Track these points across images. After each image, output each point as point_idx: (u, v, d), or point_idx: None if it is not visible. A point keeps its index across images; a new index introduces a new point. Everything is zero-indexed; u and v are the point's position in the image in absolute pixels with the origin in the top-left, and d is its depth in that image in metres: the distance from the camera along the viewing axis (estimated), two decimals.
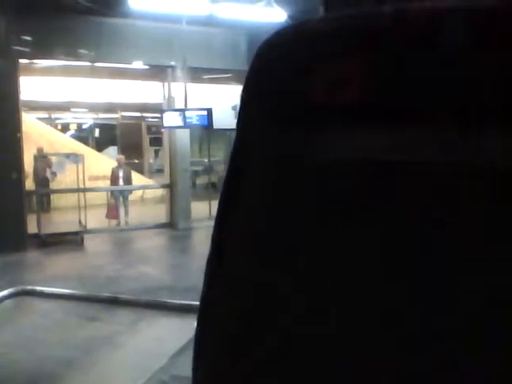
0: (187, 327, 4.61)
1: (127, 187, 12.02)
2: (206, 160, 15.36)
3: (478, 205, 0.39)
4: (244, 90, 0.50)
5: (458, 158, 0.40)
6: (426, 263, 0.41)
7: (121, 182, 11.80)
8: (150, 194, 14.68)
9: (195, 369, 0.52)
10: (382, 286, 0.42)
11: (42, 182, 11.36)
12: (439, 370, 0.40)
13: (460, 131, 0.40)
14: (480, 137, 0.39)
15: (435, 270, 0.41)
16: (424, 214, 0.41)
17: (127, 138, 19.69)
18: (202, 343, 0.51)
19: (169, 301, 5.91)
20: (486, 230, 0.39)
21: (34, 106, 14.55)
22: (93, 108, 18.06)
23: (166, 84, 11.05)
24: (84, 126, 20.55)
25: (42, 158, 11.08)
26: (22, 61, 9.49)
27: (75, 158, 10.48)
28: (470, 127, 0.39)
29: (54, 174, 11.64)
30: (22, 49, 9.08)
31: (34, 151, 11.21)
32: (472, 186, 0.39)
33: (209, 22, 8.90)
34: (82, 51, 9.62)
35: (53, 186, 12.06)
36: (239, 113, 0.50)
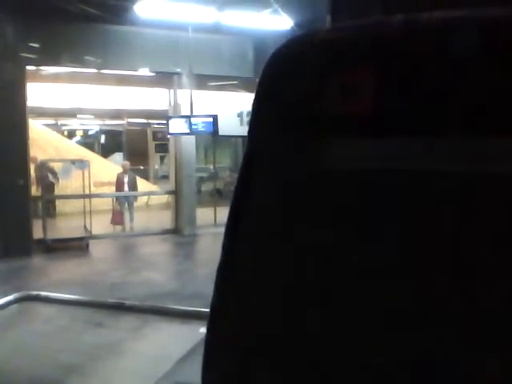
0: (192, 333, 4.60)
1: (132, 193, 12.04)
2: (212, 167, 15.37)
3: (489, 211, 0.39)
4: (256, 98, 0.50)
5: (470, 166, 0.40)
6: (434, 270, 0.41)
7: (126, 188, 11.82)
8: (155, 200, 14.70)
9: (205, 373, 0.52)
10: (387, 287, 0.43)
11: (47, 188, 11.39)
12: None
13: (471, 139, 0.40)
14: (491, 145, 0.39)
15: (447, 275, 0.41)
16: (432, 221, 0.41)
17: (133, 144, 19.74)
18: (212, 348, 0.52)
19: (174, 307, 5.90)
20: (498, 236, 0.39)
21: (40, 113, 14.61)
22: (99, 114, 18.12)
23: (172, 91, 11.08)
24: (90, 133, 20.62)
25: (42, 165, 11.08)
26: (29, 67, 9.55)
27: (81, 164, 10.51)
28: (480, 136, 0.39)
29: (56, 179, 11.67)
30: (29, 55, 9.14)
31: (41, 157, 11.25)
32: (483, 193, 0.40)
33: (215, 29, 8.94)
34: (89, 58, 9.67)
35: (58, 191, 12.09)
36: (251, 119, 0.51)
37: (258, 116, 0.50)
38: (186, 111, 9.87)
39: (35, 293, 6.51)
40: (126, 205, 11.84)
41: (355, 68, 0.44)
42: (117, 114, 17.83)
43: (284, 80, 0.48)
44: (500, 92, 0.39)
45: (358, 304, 0.44)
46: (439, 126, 0.41)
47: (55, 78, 11.59)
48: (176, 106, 10.90)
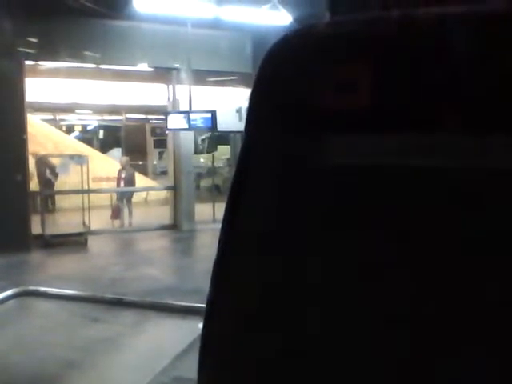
0: (190, 329, 4.61)
1: (131, 189, 12.04)
2: (210, 162, 15.36)
3: (485, 208, 0.39)
4: (252, 94, 0.50)
5: (466, 162, 0.40)
6: (428, 266, 0.41)
7: (123, 183, 11.81)
8: (154, 195, 14.70)
9: (201, 369, 0.52)
10: (383, 286, 0.43)
11: (46, 183, 11.38)
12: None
13: (467, 136, 0.40)
14: (488, 141, 0.39)
15: (440, 272, 0.41)
16: (432, 218, 0.41)
17: (131, 139, 19.72)
18: (208, 343, 0.52)
19: (172, 302, 5.91)
20: (495, 233, 0.39)
21: (39, 108, 14.58)
22: (97, 110, 18.09)
23: (171, 86, 11.06)
24: (88, 128, 20.59)
25: (41, 160, 11.06)
26: (27, 62, 9.52)
27: (79, 159, 10.50)
28: (478, 132, 0.39)
29: (55, 174, 11.63)
30: (27, 50, 9.11)
31: (39, 152, 11.24)
32: (483, 189, 0.40)
33: (214, 24, 8.91)
34: (88, 53, 9.65)
35: (57, 187, 12.08)
36: (247, 115, 0.51)
37: (256, 111, 0.50)
38: (184, 107, 9.85)
39: (33, 288, 6.51)
40: (124, 201, 11.84)
41: (353, 63, 0.44)
42: (115, 110, 17.81)
43: (281, 75, 0.48)
44: (499, 88, 0.39)
45: (357, 303, 0.44)
46: (438, 121, 0.41)
47: (54, 72, 11.57)
48: (175, 101, 10.88)
